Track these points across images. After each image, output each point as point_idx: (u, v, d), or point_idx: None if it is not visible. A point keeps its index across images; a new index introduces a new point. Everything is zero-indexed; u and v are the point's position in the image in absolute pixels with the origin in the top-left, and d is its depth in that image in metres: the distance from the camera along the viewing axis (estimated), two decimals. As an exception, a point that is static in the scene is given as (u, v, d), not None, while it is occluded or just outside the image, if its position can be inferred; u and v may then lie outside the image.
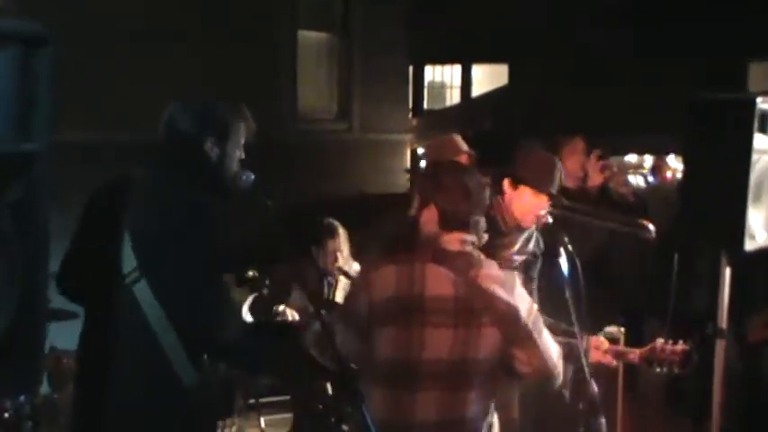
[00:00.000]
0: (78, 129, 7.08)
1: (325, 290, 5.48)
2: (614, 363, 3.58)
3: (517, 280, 2.91)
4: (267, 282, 4.92)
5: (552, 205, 3.59)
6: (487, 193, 2.97)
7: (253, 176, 3.09)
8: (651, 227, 3.96)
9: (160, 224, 2.98)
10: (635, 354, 3.66)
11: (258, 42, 10.42)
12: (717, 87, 3.95)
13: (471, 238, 2.86)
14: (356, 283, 3.12)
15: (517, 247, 3.65)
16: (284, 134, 10.70)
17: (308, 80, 11.60)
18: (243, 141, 3.15)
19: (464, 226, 2.85)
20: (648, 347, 3.64)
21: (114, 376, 3.01)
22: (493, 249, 3.03)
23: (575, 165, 4.81)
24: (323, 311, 3.20)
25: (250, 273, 4.90)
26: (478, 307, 2.79)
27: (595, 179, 5.01)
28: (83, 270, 3.15)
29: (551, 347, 2.89)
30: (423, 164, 13.16)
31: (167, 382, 2.94)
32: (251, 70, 10.11)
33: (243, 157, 3.14)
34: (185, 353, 2.94)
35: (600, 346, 3.69)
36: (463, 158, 4.25)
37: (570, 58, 16.92)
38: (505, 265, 3.28)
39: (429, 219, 2.87)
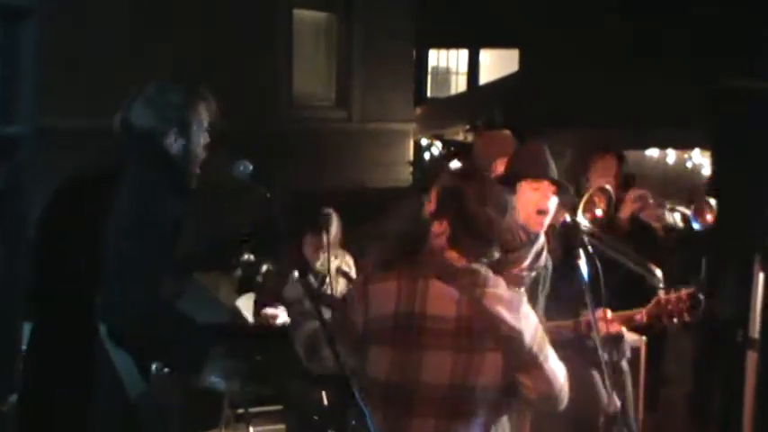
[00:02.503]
0: (63, 114, 7.05)
1: (316, 282, 5.45)
2: (622, 330, 3.57)
3: (524, 299, 2.86)
4: (265, 268, 4.81)
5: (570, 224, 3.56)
6: (511, 216, 2.91)
7: (251, 167, 3.06)
8: (659, 274, 4.03)
9: (114, 223, 2.93)
10: (641, 314, 3.65)
11: (250, 21, 10.36)
12: (736, 77, 3.89)
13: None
14: (353, 293, 3.08)
15: (527, 262, 3.60)
16: (278, 121, 10.65)
17: (304, 63, 11.54)
18: (206, 123, 3.11)
19: (473, 253, 2.83)
20: (653, 302, 3.63)
21: (61, 383, 2.97)
22: (503, 266, 2.98)
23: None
24: (321, 307, 3.16)
25: (245, 256, 4.81)
26: (481, 329, 2.76)
27: (627, 209, 4.99)
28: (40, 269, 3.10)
29: (557, 370, 2.87)
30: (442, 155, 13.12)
31: (113, 392, 2.90)
32: (242, 51, 10.05)
33: (208, 140, 3.12)
34: (133, 362, 2.90)
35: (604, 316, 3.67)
36: None
37: (586, 45, 16.91)
38: (516, 281, 3.24)
39: (440, 232, 2.84)
